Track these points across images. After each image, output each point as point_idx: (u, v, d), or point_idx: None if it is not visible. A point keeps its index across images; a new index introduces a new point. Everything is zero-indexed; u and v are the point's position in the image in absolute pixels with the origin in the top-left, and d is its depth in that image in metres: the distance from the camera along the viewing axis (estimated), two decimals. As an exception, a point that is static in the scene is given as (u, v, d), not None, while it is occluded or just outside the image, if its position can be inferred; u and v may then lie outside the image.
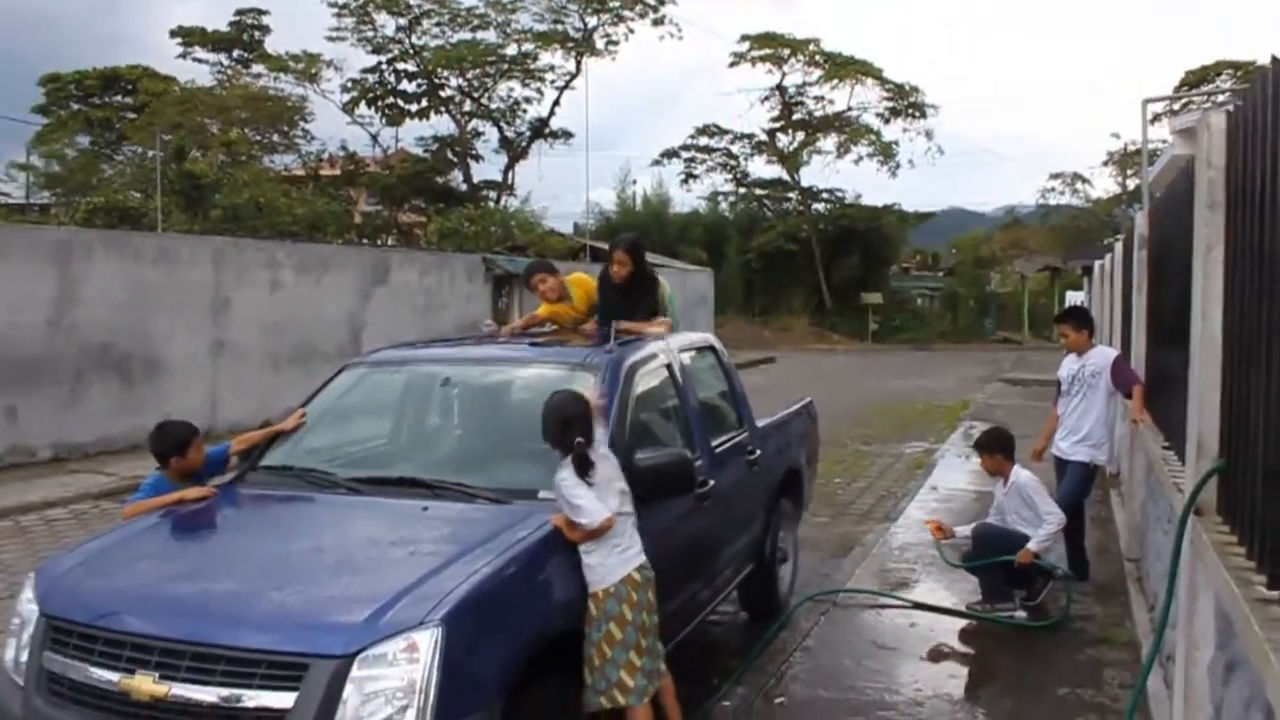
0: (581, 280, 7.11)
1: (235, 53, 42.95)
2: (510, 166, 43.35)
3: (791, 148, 48.79)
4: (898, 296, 49.98)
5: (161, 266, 14.91)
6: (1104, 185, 51.36)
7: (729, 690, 5.69)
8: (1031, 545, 7.07)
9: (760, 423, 6.86)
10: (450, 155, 42.55)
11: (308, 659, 3.43)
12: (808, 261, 47.09)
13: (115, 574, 4.12)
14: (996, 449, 7.42)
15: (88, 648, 3.72)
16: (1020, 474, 7.35)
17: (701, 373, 6.34)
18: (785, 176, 49.55)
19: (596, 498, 4.27)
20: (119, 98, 45.73)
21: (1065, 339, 8.06)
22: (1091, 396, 7.76)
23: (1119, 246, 12.45)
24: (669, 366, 5.73)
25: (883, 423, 17.70)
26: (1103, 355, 7.92)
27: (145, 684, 3.53)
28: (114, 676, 3.61)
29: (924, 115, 46.98)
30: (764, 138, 48.93)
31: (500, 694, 3.60)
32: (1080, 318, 8.09)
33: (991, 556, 7.16)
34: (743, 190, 51.51)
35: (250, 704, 3.42)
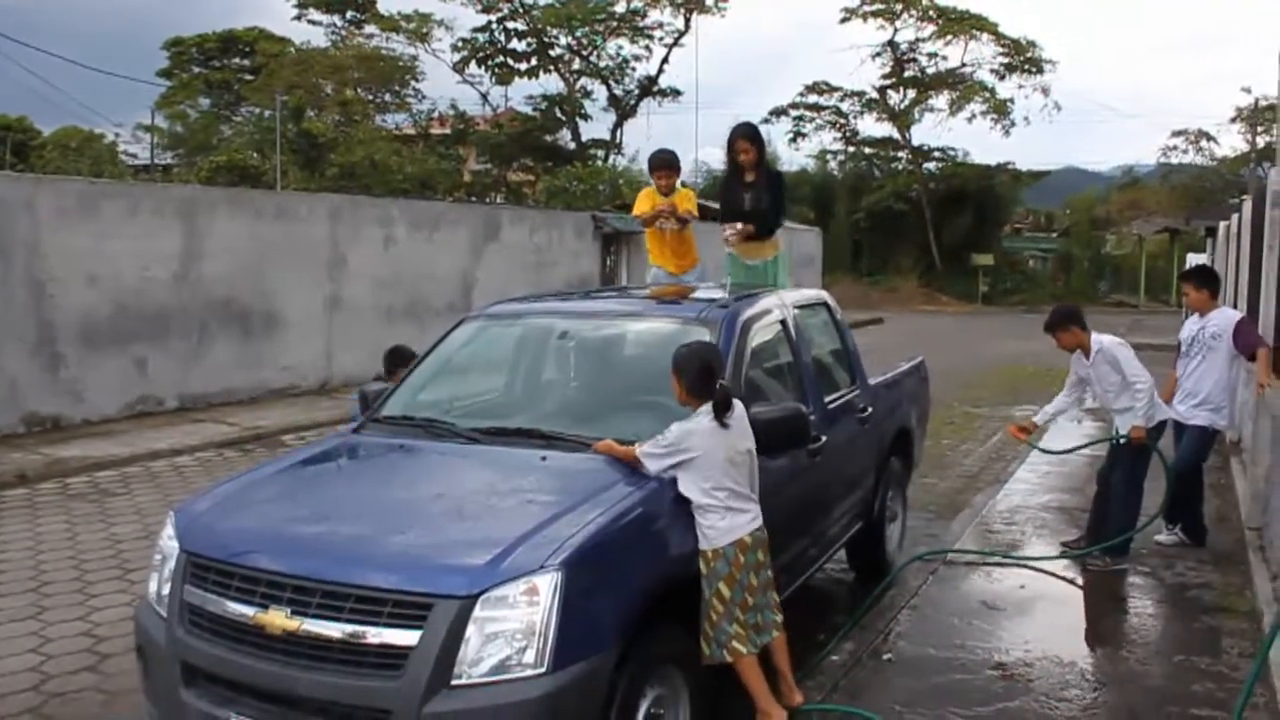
0: (684, 191, 7.67)
1: (348, 14, 43.60)
2: (618, 125, 43.35)
3: (902, 106, 47.50)
4: (1009, 258, 48.42)
5: (280, 223, 15.31)
6: (1231, 143, 49.67)
7: (837, 645, 5.72)
8: (1137, 420, 6.93)
9: (872, 381, 6.82)
10: (559, 114, 42.54)
11: (432, 599, 3.52)
12: (917, 222, 45.88)
13: (249, 515, 4.28)
14: (1069, 321, 7.19)
15: (225, 583, 3.87)
16: (1103, 338, 7.17)
17: (815, 329, 6.32)
18: (895, 135, 48.31)
19: (729, 456, 4.34)
20: (237, 60, 46.90)
21: (1186, 297, 7.83)
22: (1212, 359, 7.54)
23: (1248, 206, 11.99)
24: (783, 322, 5.72)
25: (993, 385, 17.41)
26: (1225, 317, 7.66)
27: (278, 618, 3.66)
28: (250, 610, 3.75)
29: (1040, 71, 45.30)
30: (874, 95, 47.71)
31: (618, 639, 3.67)
32: (1203, 276, 7.80)
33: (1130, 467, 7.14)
34: (852, 149, 50.12)
35: (376, 640, 3.52)
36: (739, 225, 7.12)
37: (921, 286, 45.04)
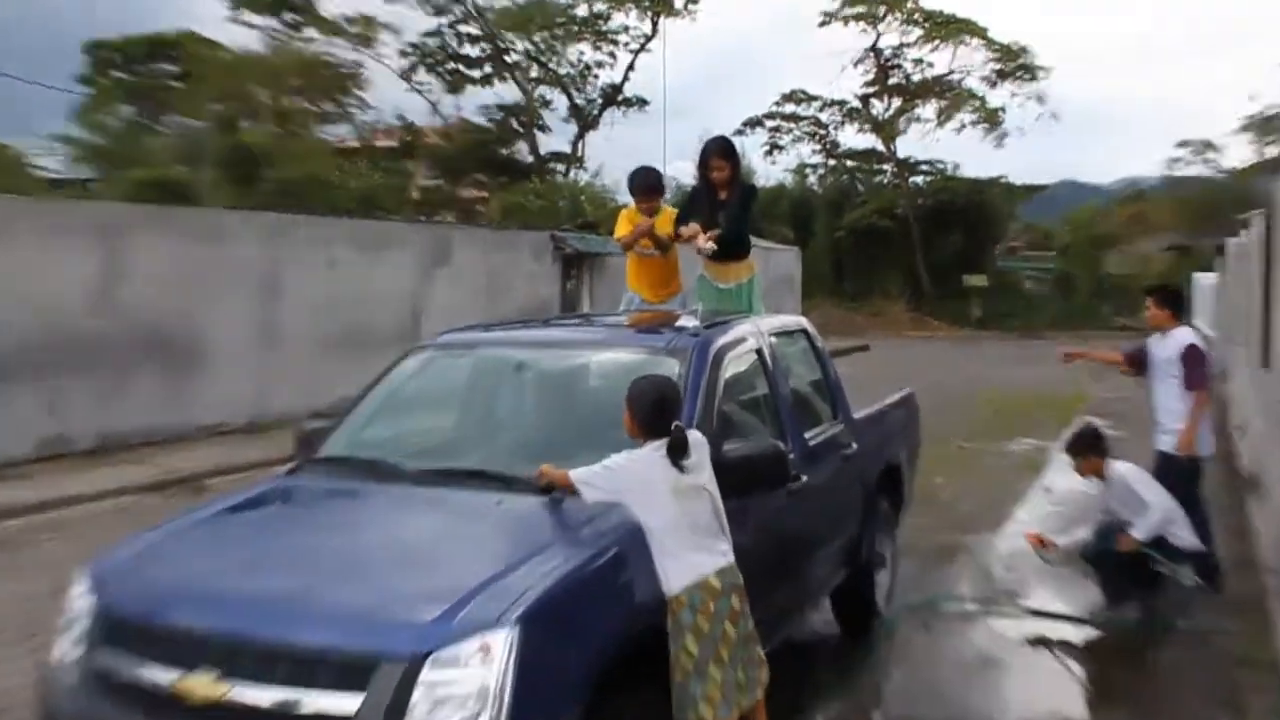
0: (668, 212, 7.61)
1: (286, 16, 43.54)
2: (580, 137, 42.97)
3: (887, 115, 47.92)
4: (1004, 279, 48.74)
5: (210, 245, 15.20)
6: (1240, 154, 50.29)
7: (822, 706, 5.67)
8: (1136, 532, 7.03)
9: (857, 415, 6.82)
10: (515, 125, 42.29)
11: (375, 659, 3.47)
12: (904, 240, 46.11)
13: (171, 568, 4.20)
14: (1086, 449, 7.43)
15: (143, 645, 3.79)
16: (1117, 466, 7.35)
17: (793, 358, 6.33)
18: (880, 147, 48.66)
19: (676, 488, 4.26)
20: (164, 65, 46.70)
21: (1147, 312, 7.94)
22: (1166, 381, 7.65)
23: (1259, 221, 12.14)
24: (759, 351, 5.72)
25: (989, 418, 17.48)
26: (1176, 339, 7.70)
27: (203, 684, 3.59)
28: (171, 675, 3.67)
29: (1034, 78, 45.83)
30: (856, 105, 48.19)
31: (580, 701, 3.62)
32: (1165, 294, 7.96)
33: (1102, 548, 7.18)
34: (832, 162, 50.38)
35: (311, 708, 3.47)
36: (704, 238, 7.11)
37: (910, 310, 45.39)
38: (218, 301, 15.20)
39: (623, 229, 7.59)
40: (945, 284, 45.63)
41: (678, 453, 4.30)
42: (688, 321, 5.76)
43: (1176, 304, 7.88)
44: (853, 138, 50.87)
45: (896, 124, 47.63)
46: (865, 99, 47.98)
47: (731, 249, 7.23)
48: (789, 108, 49.12)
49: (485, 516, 4.35)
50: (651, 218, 7.47)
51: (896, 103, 47.75)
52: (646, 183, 7.54)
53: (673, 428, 4.33)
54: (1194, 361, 7.56)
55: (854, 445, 6.45)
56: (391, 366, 5.78)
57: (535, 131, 42.62)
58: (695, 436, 4.44)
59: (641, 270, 7.70)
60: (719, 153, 7.28)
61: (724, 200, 7.27)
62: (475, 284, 19.73)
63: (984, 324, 44.11)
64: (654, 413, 4.36)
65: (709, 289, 7.34)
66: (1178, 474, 7.53)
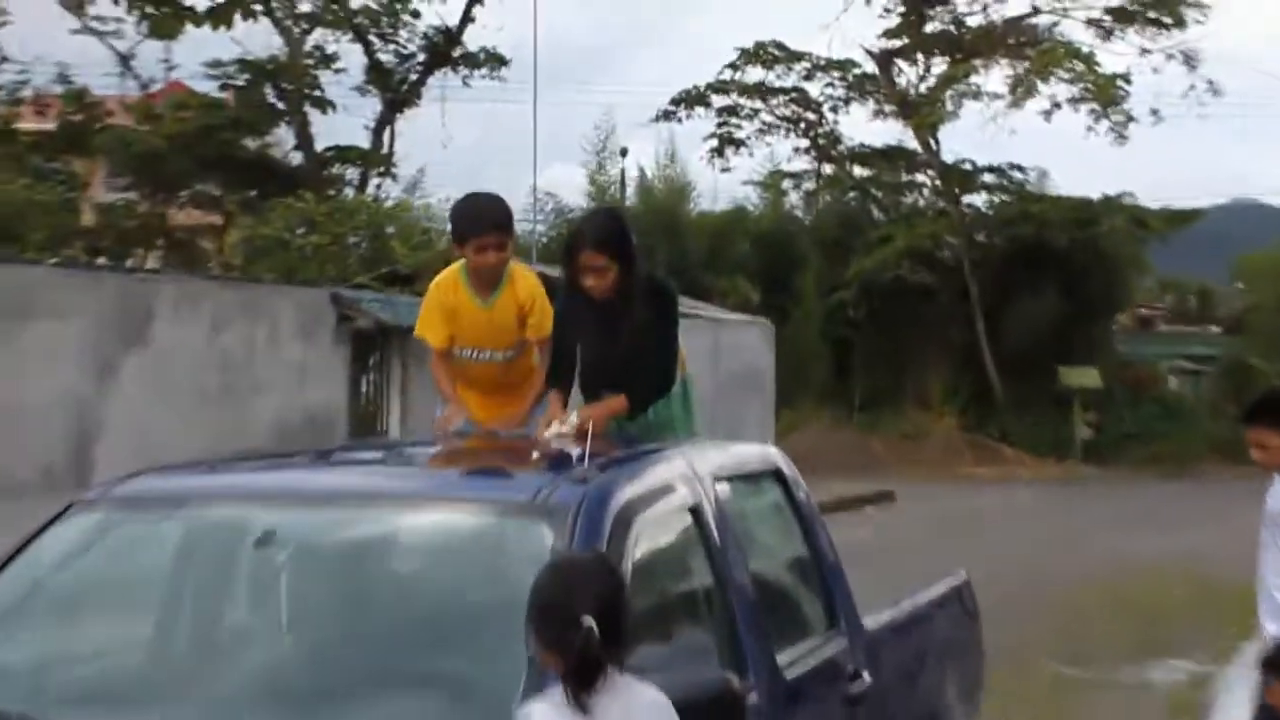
0: (525, 277, 5.68)
1: None
2: (387, 122, 30.47)
3: (921, 86, 33.82)
4: (1131, 372, 35.13)
5: None
6: None
7: None
8: None
9: (869, 621, 5.23)
10: (273, 97, 29.36)
11: None
12: (955, 305, 33.12)
13: None
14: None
15: None
16: None
17: (757, 521, 4.98)
18: (911, 142, 34.68)
19: None
20: None
21: (1258, 451, 5.92)
22: None
23: None
24: (695, 510, 4.31)
25: (1106, 623, 13.20)
26: None
27: None
28: None
29: (1181, 24, 31.59)
30: (870, 68, 33.97)
31: None
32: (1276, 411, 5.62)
33: None
34: (829, 169, 36.19)
35: None
36: (591, 413, 5.21)
37: (966, 428, 32.40)
38: None
39: (435, 324, 5.65)
40: (1028, 383, 32.55)
41: (581, 681, 3.06)
42: (564, 455, 4.51)
43: None
44: (863, 126, 38.38)
45: (940, 102, 33.42)
46: (885, 58, 33.87)
47: (642, 400, 5.46)
48: (753, 73, 34.73)
49: None
50: (493, 281, 5.52)
51: (939, 65, 33.90)
52: (480, 217, 5.59)
53: (577, 638, 3.08)
54: None
55: (864, 676, 4.85)
56: (29, 540, 4.27)
57: (305, 111, 29.58)
58: (648, 698, 3.16)
59: (472, 377, 5.86)
60: (597, 244, 5.30)
61: (614, 312, 5.34)
62: (196, 381, 14.70)
63: (1097, 454, 32.02)
64: (543, 620, 3.14)
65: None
66: None
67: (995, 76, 33.22)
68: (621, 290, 5.30)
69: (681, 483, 4.33)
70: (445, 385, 5.73)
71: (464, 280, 5.57)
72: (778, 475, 5.14)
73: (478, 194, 5.78)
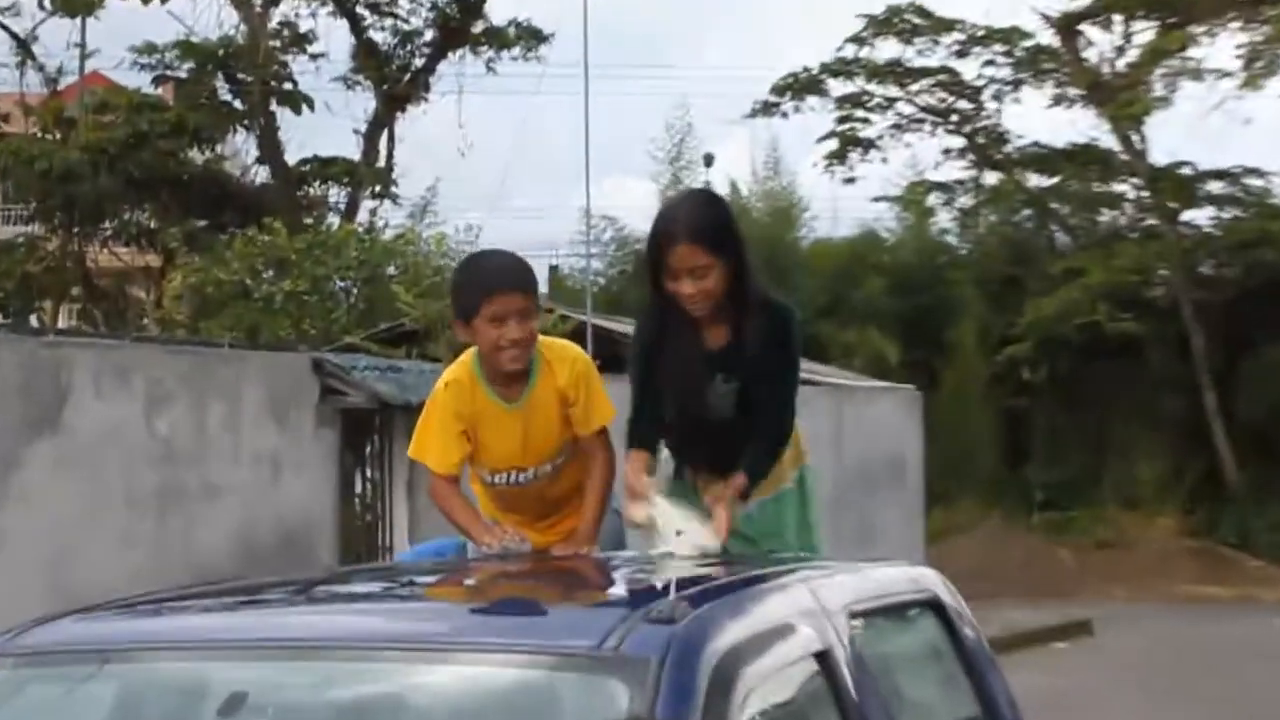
0: (562, 353, 4.78)
1: None
2: (384, 124, 25.53)
3: (1120, 61, 27.11)
4: None
5: None
6: None
7: None
8: None
9: None
10: (228, 92, 24.97)
11: None
12: (1171, 363, 27.08)
13: None
14: None
15: None
16: None
17: (907, 672, 4.50)
18: (1106, 139, 27.80)
19: None
20: None
21: None
22: None
23: None
24: (823, 658, 3.83)
25: None
26: None
27: None
28: None
29: None
30: (1048, 38, 27.35)
31: None
32: None
33: None
34: (992, 177, 29.25)
35: None
36: (725, 496, 4.76)
37: (1188, 531, 26.75)
38: None
39: (440, 441, 4.84)
40: (1277, 470, 26.56)
41: None
42: (648, 580, 4.22)
43: None
44: (1039, 118, 31.26)
45: (1147, 83, 27.00)
46: (1069, 24, 26.84)
47: (772, 461, 4.87)
48: (885, 48, 27.64)
49: None
50: (525, 354, 4.71)
51: (1144, 32, 26.90)
52: (495, 273, 4.89)
53: None
54: None
55: None
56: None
57: (271, 110, 24.89)
58: None
59: (507, 497, 5.05)
60: (694, 233, 4.73)
61: (716, 349, 4.78)
62: (125, 483, 11.73)
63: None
64: None
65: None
66: None
67: (1223, 48, 25.78)
68: (732, 301, 4.77)
69: (804, 620, 3.97)
70: (461, 515, 4.83)
71: (480, 376, 4.86)
72: (935, 606, 4.76)
73: (485, 252, 5.64)
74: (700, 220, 4.83)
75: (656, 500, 4.45)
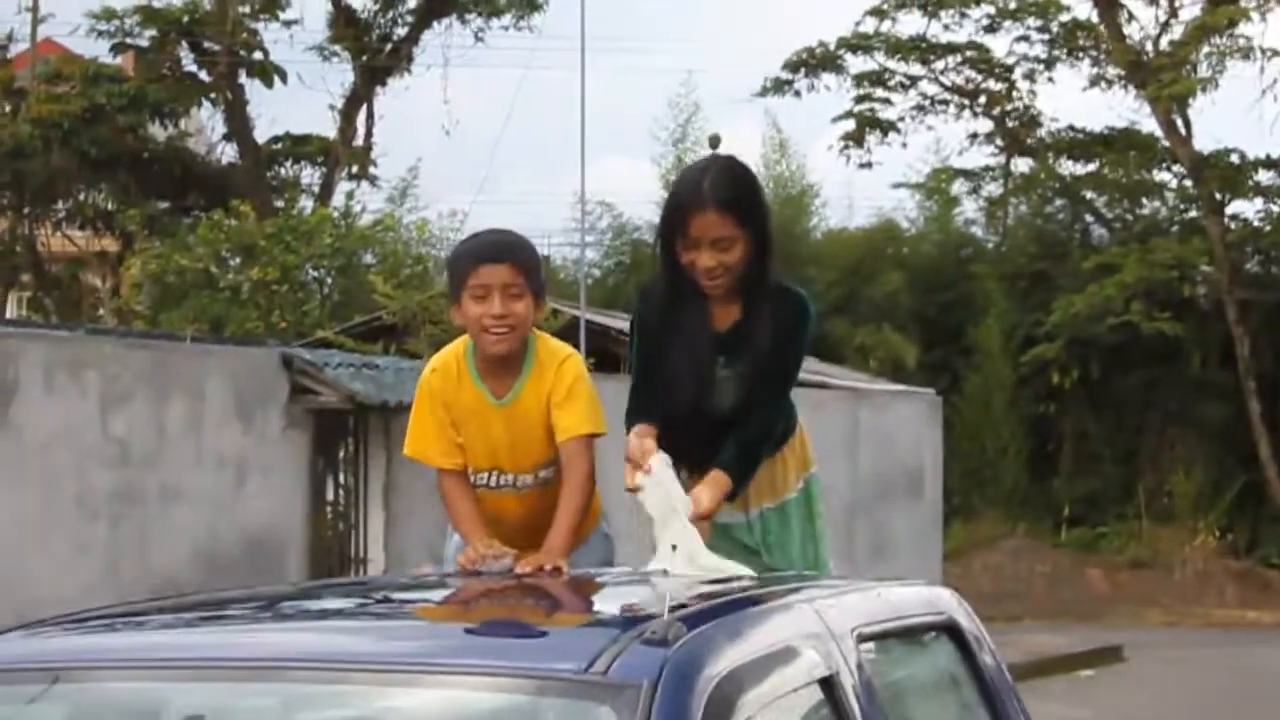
0: (555, 353, 4.58)
1: None
2: (362, 99, 24.63)
3: (1163, 39, 25.74)
4: None
5: None
6: None
7: None
8: None
9: None
10: (192, 62, 23.96)
11: None
12: (1212, 367, 26.24)
13: None
14: None
15: None
16: None
17: (919, 700, 4.58)
18: (1147, 123, 26.43)
19: None
20: None
21: None
22: None
23: None
24: (828, 685, 3.86)
25: None
26: None
27: None
28: None
29: None
30: (1085, 12, 26.08)
31: None
32: None
33: None
34: (1023, 163, 28.21)
35: None
36: (708, 497, 4.56)
37: (1229, 551, 25.59)
38: None
39: (433, 434, 4.59)
40: None
41: None
42: (641, 598, 4.13)
43: None
44: (1074, 100, 29.24)
45: (1192, 63, 25.54)
46: None
47: (755, 458, 4.72)
48: (908, 22, 26.36)
49: None
50: (517, 336, 4.48)
51: (1190, 6, 25.47)
52: (487, 244, 4.63)
53: None
54: None
55: None
56: None
57: (241, 84, 23.99)
58: None
59: (488, 505, 4.80)
60: (722, 201, 4.48)
61: (726, 330, 4.64)
62: (77, 486, 11.65)
63: None
64: None
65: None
66: None
67: (1276, 25, 24.41)
68: (749, 282, 4.55)
69: (809, 643, 3.99)
70: (463, 522, 4.67)
71: (469, 365, 4.61)
72: (951, 629, 4.72)
73: (480, 237, 4.89)
74: (733, 188, 4.58)
75: (656, 468, 4.29)
